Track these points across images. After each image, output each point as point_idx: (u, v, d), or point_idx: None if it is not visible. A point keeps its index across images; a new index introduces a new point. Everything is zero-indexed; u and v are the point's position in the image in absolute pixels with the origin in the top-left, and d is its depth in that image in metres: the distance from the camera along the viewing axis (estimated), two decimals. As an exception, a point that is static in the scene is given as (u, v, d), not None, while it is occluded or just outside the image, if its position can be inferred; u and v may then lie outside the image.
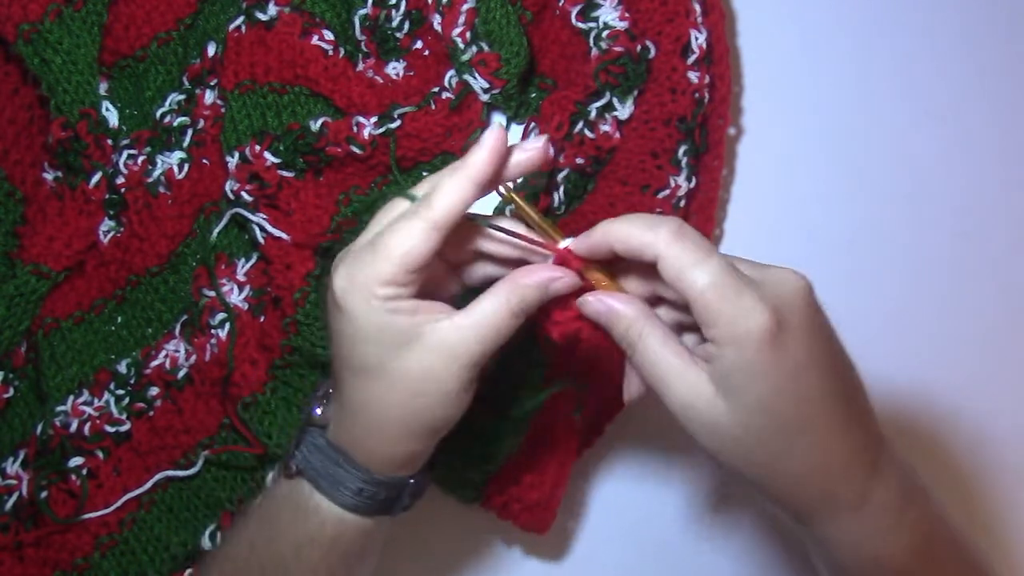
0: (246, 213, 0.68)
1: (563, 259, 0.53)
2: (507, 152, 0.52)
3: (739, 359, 0.48)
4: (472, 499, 0.69)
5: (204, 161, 0.72)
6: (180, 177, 0.71)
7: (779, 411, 0.49)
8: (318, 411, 0.57)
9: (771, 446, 0.50)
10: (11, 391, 0.70)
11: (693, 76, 0.69)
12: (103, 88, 0.71)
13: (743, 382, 0.48)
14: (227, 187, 0.69)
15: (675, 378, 0.50)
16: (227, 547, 0.59)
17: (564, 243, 0.53)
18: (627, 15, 0.69)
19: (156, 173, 0.71)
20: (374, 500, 0.55)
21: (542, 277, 0.52)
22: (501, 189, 0.54)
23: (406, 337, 0.51)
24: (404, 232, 0.50)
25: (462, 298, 0.56)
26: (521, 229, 0.54)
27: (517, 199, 0.54)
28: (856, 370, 0.53)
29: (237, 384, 0.68)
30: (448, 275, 0.56)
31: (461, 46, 0.70)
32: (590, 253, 0.52)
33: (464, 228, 0.53)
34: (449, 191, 0.50)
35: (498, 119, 0.51)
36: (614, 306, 0.51)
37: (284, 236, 0.67)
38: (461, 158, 0.52)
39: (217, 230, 0.70)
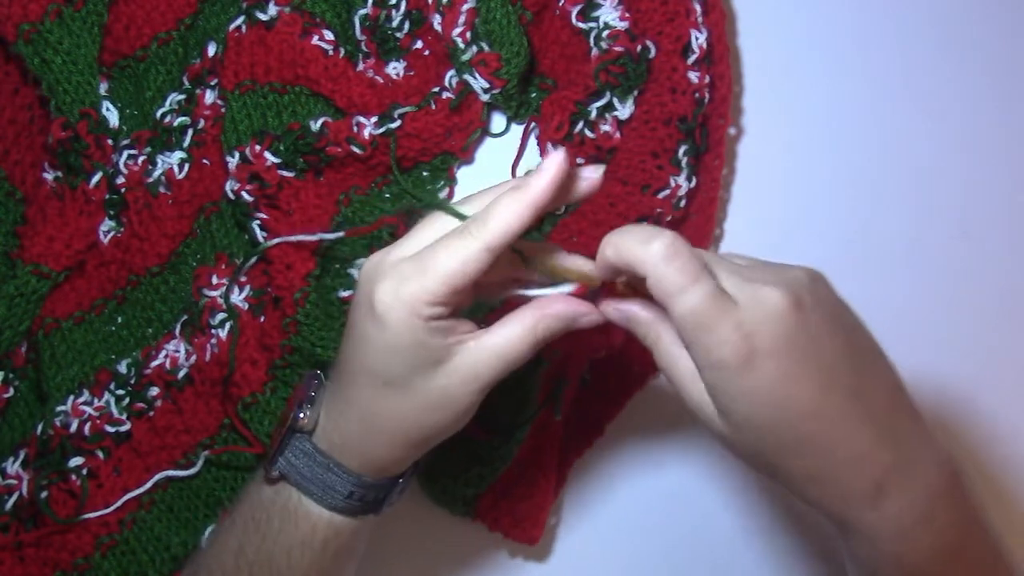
0: (261, 239, 0.68)
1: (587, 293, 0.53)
2: (567, 177, 0.51)
3: (718, 383, 0.49)
4: (463, 513, 0.70)
5: (204, 161, 0.72)
6: (180, 177, 0.71)
7: (768, 428, 0.49)
8: (302, 416, 0.56)
9: (770, 457, 0.51)
10: (11, 391, 0.70)
11: (693, 76, 0.69)
12: (103, 88, 0.71)
13: (727, 404, 0.49)
14: (227, 187, 0.69)
15: (686, 384, 0.51)
16: (213, 554, 0.59)
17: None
18: (627, 15, 0.69)
19: (156, 173, 0.71)
20: (363, 502, 0.55)
21: (571, 311, 0.52)
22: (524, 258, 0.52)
23: (437, 357, 0.51)
24: (457, 251, 0.49)
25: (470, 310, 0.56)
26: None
27: (544, 260, 0.53)
28: (878, 365, 0.52)
29: (237, 384, 0.68)
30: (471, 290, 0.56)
31: (461, 46, 0.70)
32: (602, 268, 0.52)
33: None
34: (507, 214, 0.49)
35: (559, 152, 0.50)
36: (629, 311, 0.52)
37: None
38: (522, 180, 0.50)
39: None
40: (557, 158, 0.50)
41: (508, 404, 0.66)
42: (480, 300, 0.56)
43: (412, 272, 0.50)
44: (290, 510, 0.55)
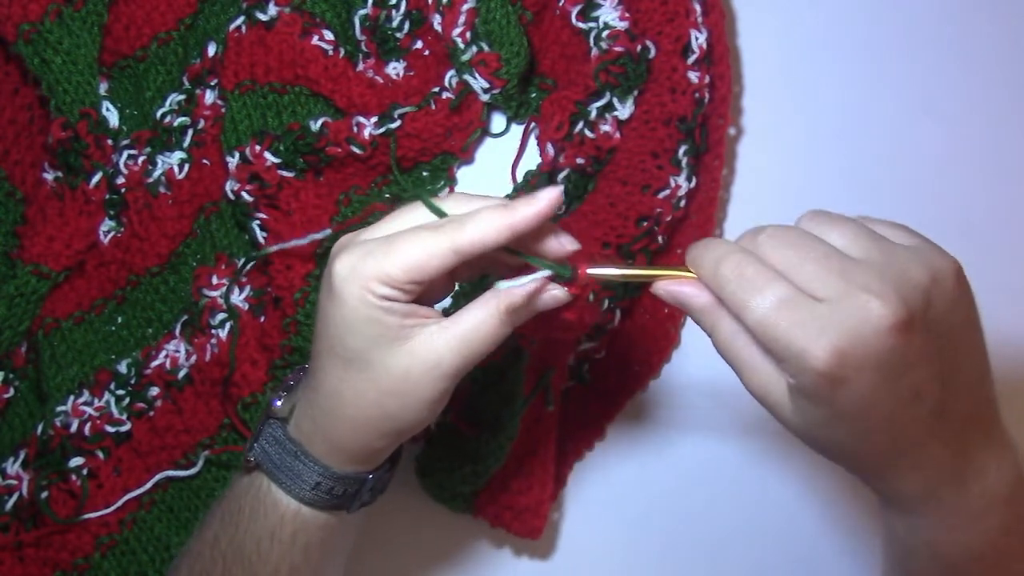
0: (261, 239, 0.67)
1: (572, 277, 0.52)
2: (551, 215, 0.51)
3: (799, 389, 0.48)
4: (463, 510, 0.69)
5: (204, 161, 0.72)
6: (180, 177, 0.71)
7: (838, 430, 0.49)
8: (278, 403, 0.57)
9: (833, 448, 0.50)
10: (11, 391, 0.70)
11: (693, 76, 0.69)
12: (103, 88, 0.71)
13: (802, 405, 0.48)
14: (227, 187, 0.69)
15: (748, 370, 0.50)
16: (192, 542, 0.59)
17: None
18: (627, 15, 0.69)
19: (156, 173, 0.71)
20: (331, 495, 0.55)
21: (533, 288, 0.51)
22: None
23: (393, 336, 0.50)
24: (424, 244, 0.49)
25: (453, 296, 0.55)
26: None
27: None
28: (969, 376, 0.51)
29: (237, 384, 0.68)
30: (445, 279, 0.55)
31: (461, 46, 0.70)
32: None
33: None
34: (486, 225, 0.49)
35: (558, 190, 0.51)
36: (681, 294, 0.51)
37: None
38: (513, 201, 0.50)
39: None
40: (552, 193, 0.50)
41: (494, 399, 0.66)
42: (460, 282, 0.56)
43: (374, 250, 0.50)
44: (260, 499, 0.55)
